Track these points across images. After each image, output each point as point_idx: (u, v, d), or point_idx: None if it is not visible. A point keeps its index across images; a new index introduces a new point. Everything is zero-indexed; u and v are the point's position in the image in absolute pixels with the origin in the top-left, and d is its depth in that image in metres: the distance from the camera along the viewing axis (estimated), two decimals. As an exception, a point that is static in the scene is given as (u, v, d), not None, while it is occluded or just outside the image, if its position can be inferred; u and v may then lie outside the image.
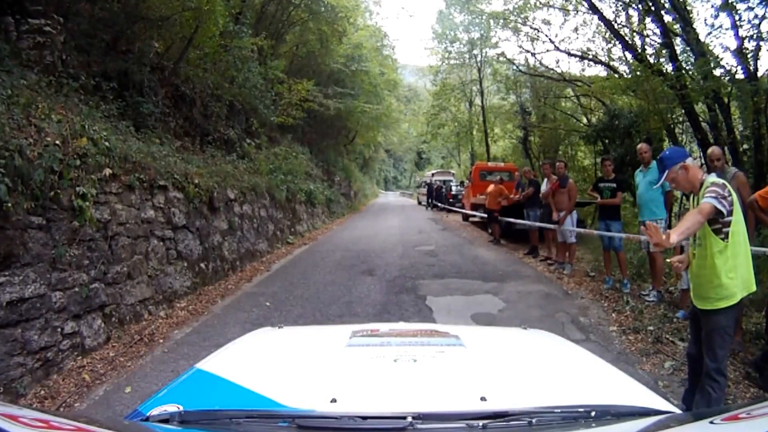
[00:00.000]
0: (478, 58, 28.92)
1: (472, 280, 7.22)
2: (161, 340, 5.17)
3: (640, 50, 13.04)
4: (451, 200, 22.75)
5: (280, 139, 17.27)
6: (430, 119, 32.06)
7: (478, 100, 30.36)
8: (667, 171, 2.86)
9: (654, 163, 6.19)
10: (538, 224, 9.14)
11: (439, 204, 24.13)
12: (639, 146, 6.36)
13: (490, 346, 1.75)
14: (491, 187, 11.54)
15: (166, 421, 1.11)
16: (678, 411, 1.21)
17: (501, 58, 23.06)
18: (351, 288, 6.90)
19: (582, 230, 7.98)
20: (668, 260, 3.60)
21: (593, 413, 1.11)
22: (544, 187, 9.08)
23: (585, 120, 20.34)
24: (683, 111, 12.02)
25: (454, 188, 23.89)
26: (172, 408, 1.14)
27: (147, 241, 6.16)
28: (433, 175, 29.30)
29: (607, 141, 15.32)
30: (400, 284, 7.05)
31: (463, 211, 17.72)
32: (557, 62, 20.09)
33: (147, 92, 8.73)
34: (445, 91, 30.27)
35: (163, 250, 6.55)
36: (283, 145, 16.63)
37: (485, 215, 12.40)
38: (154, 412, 1.14)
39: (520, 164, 20.83)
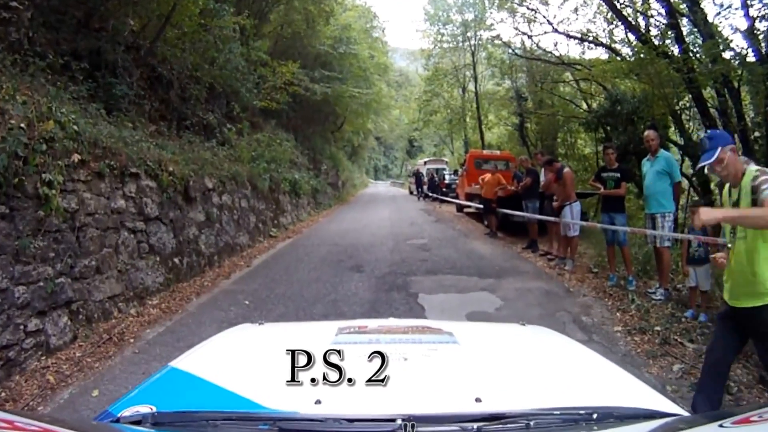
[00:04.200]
0: (472, 42, 28.82)
1: (468, 276, 7.16)
2: (132, 340, 5.05)
3: (644, 31, 12.95)
4: (444, 190, 22.72)
5: (264, 125, 17.05)
6: (422, 105, 31.97)
7: (471, 86, 30.29)
8: (719, 149, 2.67)
9: (662, 152, 6.17)
10: (537, 216, 9.10)
11: (432, 194, 24.08)
12: (646, 133, 6.29)
13: (486, 344, 1.75)
14: (488, 176, 11.49)
15: (138, 422, 1.09)
16: (685, 413, 1.18)
17: (496, 41, 22.96)
18: (337, 285, 6.80)
19: (584, 223, 7.92)
20: (712, 256, 3.47)
21: (595, 415, 1.09)
22: (543, 178, 9.04)
23: (585, 106, 20.32)
24: (690, 96, 12.04)
25: (447, 177, 23.85)
26: (144, 409, 1.12)
27: (117, 233, 6.02)
28: (425, 163, 29.26)
29: (608, 128, 15.32)
30: (390, 281, 6.96)
31: (458, 201, 17.67)
32: (555, 45, 19.74)
33: (120, 73, 8.56)
34: (437, 77, 30.17)
35: (134, 243, 6.41)
36: (266, 132, 16.43)
37: (481, 206, 12.33)
38: (126, 413, 1.12)
39: (516, 152, 20.89)
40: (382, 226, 13.61)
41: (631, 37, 14.75)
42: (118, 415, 1.12)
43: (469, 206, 15.70)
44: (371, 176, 72.97)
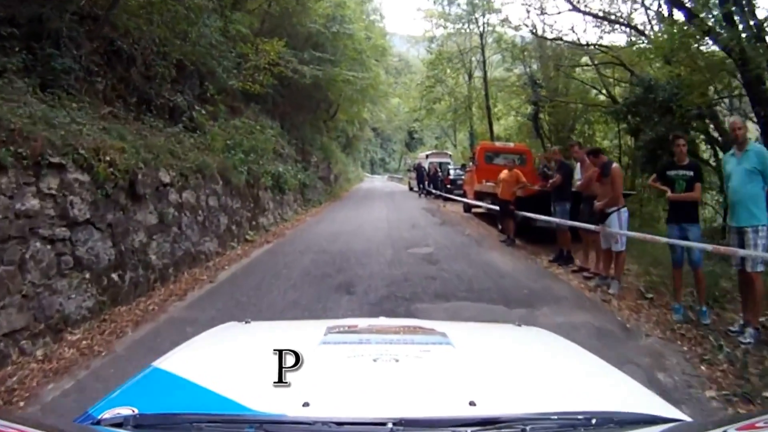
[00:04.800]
0: (480, 22, 27.38)
1: (490, 304, 5.75)
2: (22, 402, 3.67)
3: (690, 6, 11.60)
4: (449, 186, 21.43)
5: (245, 111, 15.65)
6: (424, 93, 30.54)
7: (478, 72, 28.90)
8: None
9: (752, 144, 4.83)
10: (570, 223, 7.75)
11: (435, 191, 22.78)
12: (732, 120, 4.97)
13: (481, 345, 1.75)
14: (505, 173, 10.13)
15: (119, 425, 1.07)
16: (688, 419, 1.17)
17: (505, 25, 21.64)
18: (319, 314, 5.37)
19: (638, 235, 6.57)
20: None
21: (594, 420, 1.08)
22: (578, 175, 7.69)
23: (604, 93, 18.96)
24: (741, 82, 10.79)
25: (452, 172, 22.47)
26: (125, 411, 1.10)
27: (24, 245, 4.63)
28: (427, 156, 27.82)
29: (639, 118, 13.98)
30: (388, 309, 5.53)
31: (465, 200, 16.29)
32: (572, 28, 18.69)
33: (65, 44, 7.34)
34: (441, 61, 28.74)
35: (51, 257, 5.00)
36: (247, 118, 15.08)
37: (495, 207, 10.98)
38: (106, 415, 1.10)
39: (528, 146, 19.58)
40: (379, 228, 12.26)
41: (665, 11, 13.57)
42: (99, 417, 1.11)
43: (479, 206, 14.38)
44: (367, 170, 71.57)
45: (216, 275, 7.51)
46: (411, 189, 30.94)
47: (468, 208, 16.28)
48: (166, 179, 7.46)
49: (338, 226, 12.63)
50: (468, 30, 28.86)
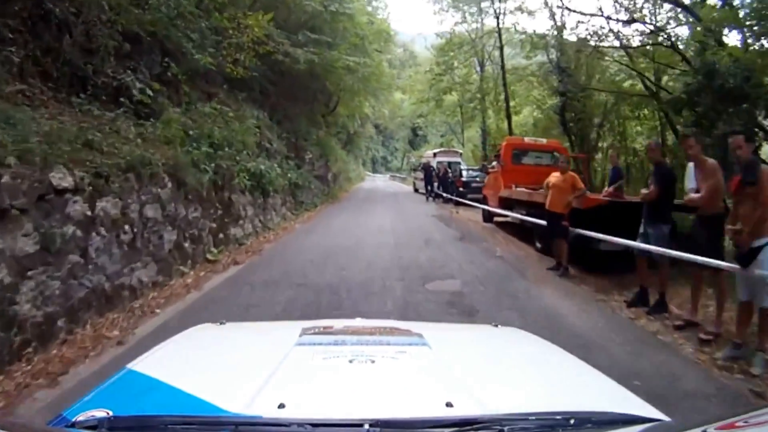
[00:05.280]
0: (496, 5, 24.75)
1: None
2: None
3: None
4: (461, 189, 18.91)
5: (227, 99, 13.13)
6: (432, 82, 27.90)
7: (493, 61, 26.29)
8: None
9: None
10: (673, 253, 5.17)
11: (445, 194, 20.27)
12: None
13: (458, 346, 1.76)
14: (556, 177, 7.53)
15: (93, 427, 1.04)
16: (667, 419, 1.15)
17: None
18: None
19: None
20: None
21: (572, 420, 1.07)
22: (690, 182, 5.15)
23: (649, 82, 16.33)
24: None
25: (464, 173, 19.91)
26: (100, 413, 1.09)
27: None
28: (435, 155, 25.17)
29: (700, 109, 11.37)
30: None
31: (487, 207, 13.67)
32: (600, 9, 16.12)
33: None
34: (451, 47, 26.13)
35: None
36: (222, 103, 12.60)
37: (541, 221, 8.40)
38: (80, 417, 1.09)
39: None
40: (383, 244, 9.68)
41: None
42: (73, 419, 1.09)
43: (504, 216, 11.83)
44: (369, 168, 69.70)
45: (135, 327, 4.94)
46: (416, 191, 28.50)
47: (489, 216, 13.71)
48: (65, 183, 4.88)
49: (331, 240, 10.06)
50: (481, 18, 26.43)
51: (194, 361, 1.58)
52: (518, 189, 10.79)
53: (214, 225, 8.56)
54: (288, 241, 10.38)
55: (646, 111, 18.59)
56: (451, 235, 11.22)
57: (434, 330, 1.90)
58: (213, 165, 8.66)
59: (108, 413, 1.07)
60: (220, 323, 1.95)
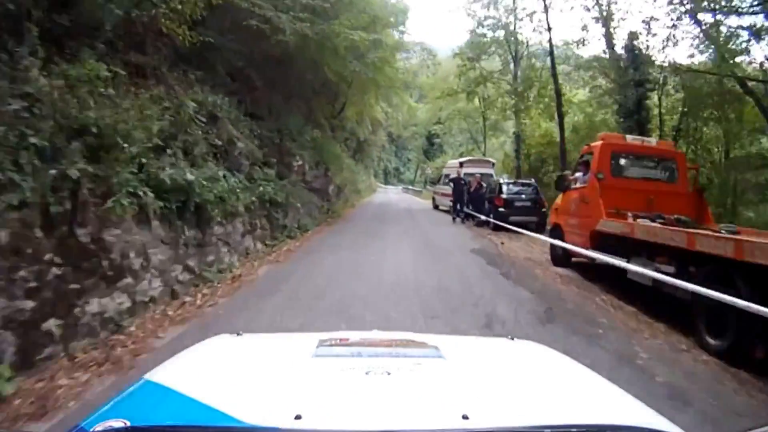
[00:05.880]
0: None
1: None
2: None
3: None
4: (501, 209, 14.17)
5: (168, 76, 8.53)
6: (462, 69, 23.22)
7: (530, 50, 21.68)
8: None
9: None
10: None
11: (478, 215, 15.55)
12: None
13: (473, 359, 1.72)
14: None
15: None
16: (680, 431, 1.14)
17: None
18: None
19: None
20: None
21: None
22: None
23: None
24: None
25: (505, 188, 15.07)
26: (117, 423, 1.08)
27: None
28: (461, 165, 20.25)
29: None
30: None
31: (567, 246, 8.57)
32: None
33: None
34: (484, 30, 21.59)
35: None
36: (170, 86, 8.05)
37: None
38: (98, 427, 1.07)
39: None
40: (402, 327, 4.83)
41: None
42: (91, 430, 1.07)
43: (583, 258, 7.35)
44: (380, 179, 66.26)
45: None
46: (436, 207, 23.80)
47: (563, 257, 8.88)
48: None
49: (304, 314, 5.32)
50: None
51: (211, 372, 1.54)
52: (644, 221, 6.03)
53: (32, 304, 3.85)
54: (227, 312, 5.60)
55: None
56: (523, 302, 6.28)
57: (450, 342, 1.83)
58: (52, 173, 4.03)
59: (125, 423, 1.07)
60: (237, 334, 1.92)
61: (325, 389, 1.26)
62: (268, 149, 11.92)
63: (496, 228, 13.78)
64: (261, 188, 9.77)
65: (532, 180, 16.56)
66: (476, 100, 29.76)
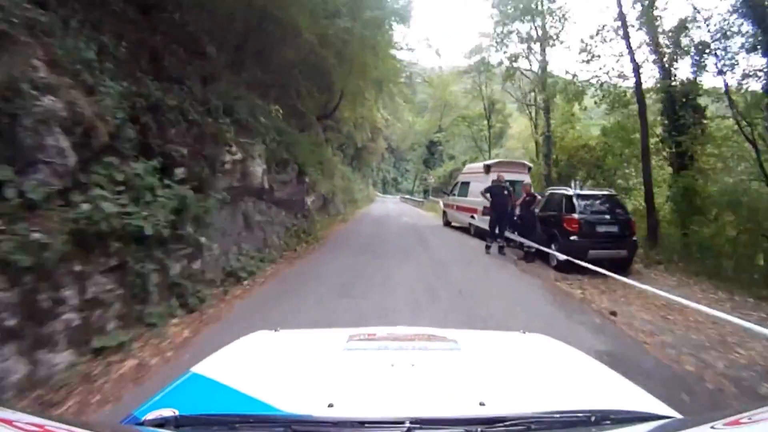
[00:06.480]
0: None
1: None
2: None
3: None
4: (575, 238, 8.72)
5: None
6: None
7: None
8: None
9: None
10: None
11: (530, 243, 10.00)
12: None
13: (488, 351, 1.84)
14: None
15: (161, 425, 1.14)
16: (679, 416, 1.21)
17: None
18: None
19: None
20: None
21: (593, 418, 1.15)
22: None
23: None
24: None
25: (577, 204, 9.37)
26: (167, 412, 1.17)
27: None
28: (488, 169, 14.48)
29: None
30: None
31: None
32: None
33: None
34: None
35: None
36: None
37: None
38: (149, 416, 1.17)
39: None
40: None
41: None
42: (143, 418, 1.17)
43: None
44: (379, 189, 64.14)
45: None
46: (447, 224, 18.38)
47: None
48: None
49: None
50: None
51: (251, 365, 1.64)
52: None
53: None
54: None
55: None
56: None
57: (468, 336, 1.94)
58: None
59: (174, 412, 1.16)
60: (275, 330, 2.04)
61: (354, 380, 1.39)
62: (174, 130, 6.32)
63: (562, 267, 8.42)
64: (93, 206, 4.13)
65: (611, 191, 10.95)
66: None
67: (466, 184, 16.32)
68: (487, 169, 14.65)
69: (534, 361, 1.74)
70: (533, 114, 24.98)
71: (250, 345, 1.89)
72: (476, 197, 13.70)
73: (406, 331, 2.02)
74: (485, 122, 35.58)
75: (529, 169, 15.55)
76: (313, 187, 14.62)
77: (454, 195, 17.55)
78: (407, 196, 51.05)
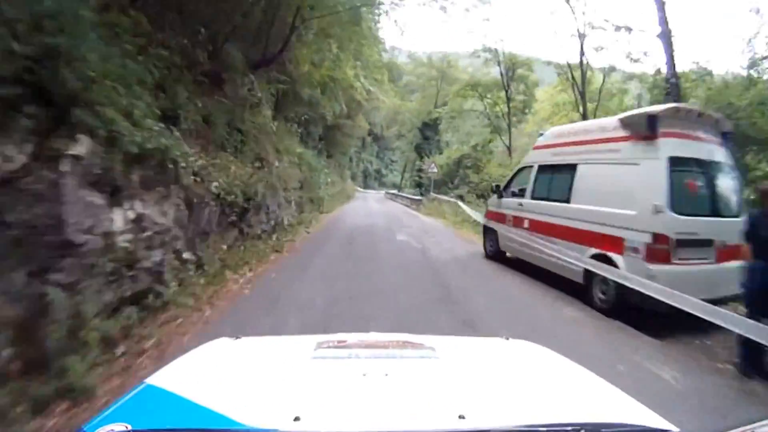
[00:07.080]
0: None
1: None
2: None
3: None
4: None
5: None
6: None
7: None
8: None
9: None
10: None
11: None
12: None
13: (469, 359, 1.73)
14: None
15: None
16: (676, 429, 1.14)
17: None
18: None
19: None
20: None
21: (582, 431, 1.07)
22: None
23: None
24: None
25: None
26: (119, 427, 1.08)
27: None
28: (651, 125, 5.05)
29: None
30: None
31: None
32: None
33: None
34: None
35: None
36: None
37: None
38: (100, 431, 1.09)
39: None
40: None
41: None
42: None
43: None
44: (359, 183, 56.91)
45: None
46: (497, 255, 8.63)
47: None
48: None
49: None
50: None
51: (210, 375, 1.51)
52: None
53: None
54: None
55: None
56: None
57: (446, 343, 1.83)
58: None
59: (127, 427, 1.06)
60: (236, 338, 1.88)
61: (323, 391, 1.25)
62: None
63: None
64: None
65: None
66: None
67: (564, 170, 6.95)
68: (651, 125, 5.23)
69: (518, 369, 1.61)
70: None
71: (210, 354, 1.73)
72: (607, 203, 5.64)
73: (379, 338, 1.89)
74: (503, 93, 26.38)
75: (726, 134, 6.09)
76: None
77: (521, 197, 8.01)
78: (394, 192, 40.62)
